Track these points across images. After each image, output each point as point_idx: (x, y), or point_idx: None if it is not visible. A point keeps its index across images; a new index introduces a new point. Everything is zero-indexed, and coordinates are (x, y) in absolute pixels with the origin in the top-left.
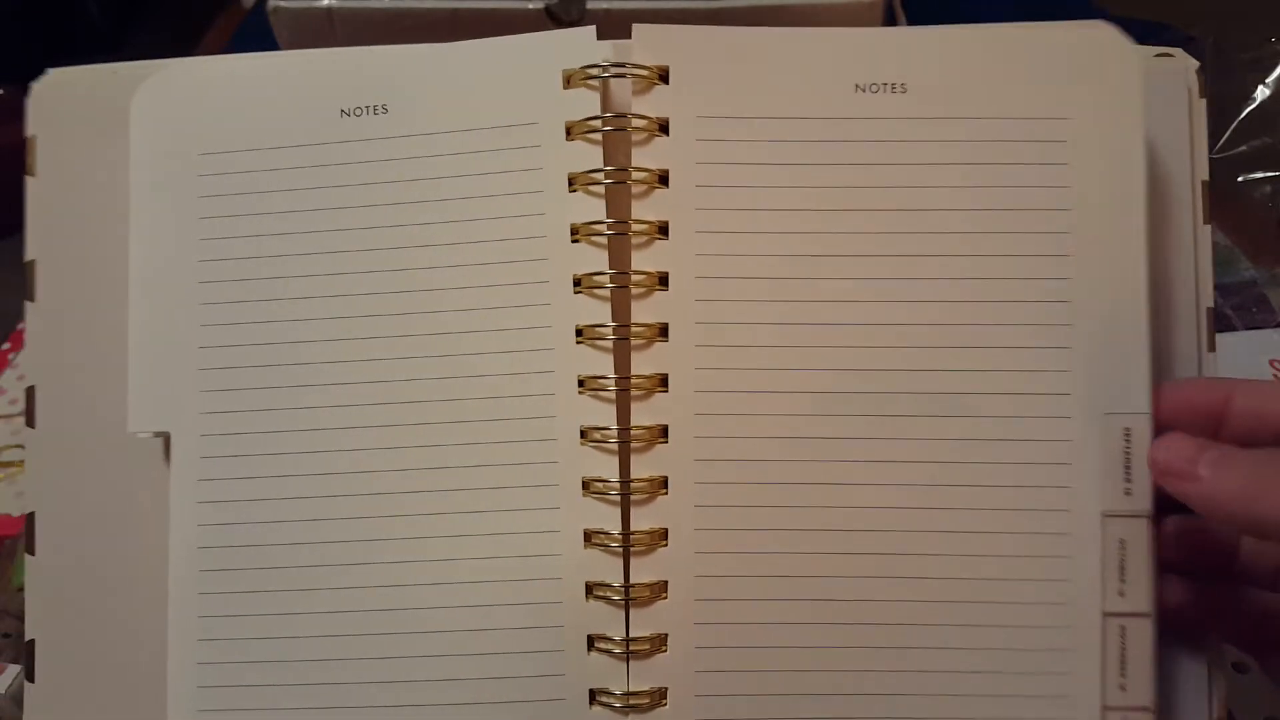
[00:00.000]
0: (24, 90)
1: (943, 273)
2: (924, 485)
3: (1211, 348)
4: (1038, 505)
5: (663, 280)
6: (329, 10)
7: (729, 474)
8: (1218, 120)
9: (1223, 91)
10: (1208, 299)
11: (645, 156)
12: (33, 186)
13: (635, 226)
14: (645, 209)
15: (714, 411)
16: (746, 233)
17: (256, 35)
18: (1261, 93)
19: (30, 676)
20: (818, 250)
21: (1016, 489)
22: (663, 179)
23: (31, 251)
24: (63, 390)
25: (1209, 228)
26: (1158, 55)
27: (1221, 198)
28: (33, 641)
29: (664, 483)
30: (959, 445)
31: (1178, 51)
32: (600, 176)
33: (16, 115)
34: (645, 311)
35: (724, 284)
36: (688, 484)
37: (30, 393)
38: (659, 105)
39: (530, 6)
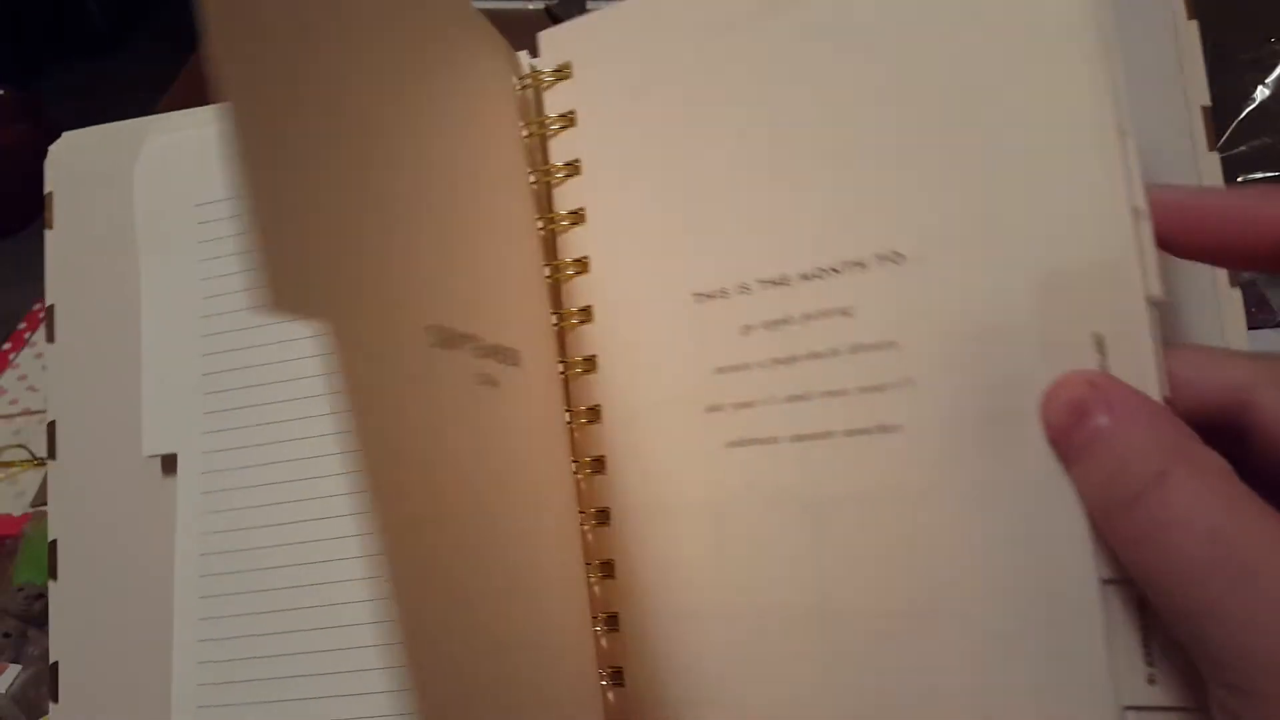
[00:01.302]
0: (24, 90)
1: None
2: None
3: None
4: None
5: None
6: None
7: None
8: (1217, 120)
9: (1223, 91)
10: None
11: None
12: (51, 238)
13: (559, 216)
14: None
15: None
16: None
17: None
18: (1261, 93)
19: (54, 697)
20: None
21: None
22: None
23: (51, 297)
24: (82, 424)
25: (1216, 155)
26: None
27: None
28: (56, 664)
29: (602, 462)
30: None
31: None
32: (531, 179)
33: (17, 115)
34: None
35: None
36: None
37: (51, 428)
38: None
39: (530, 7)
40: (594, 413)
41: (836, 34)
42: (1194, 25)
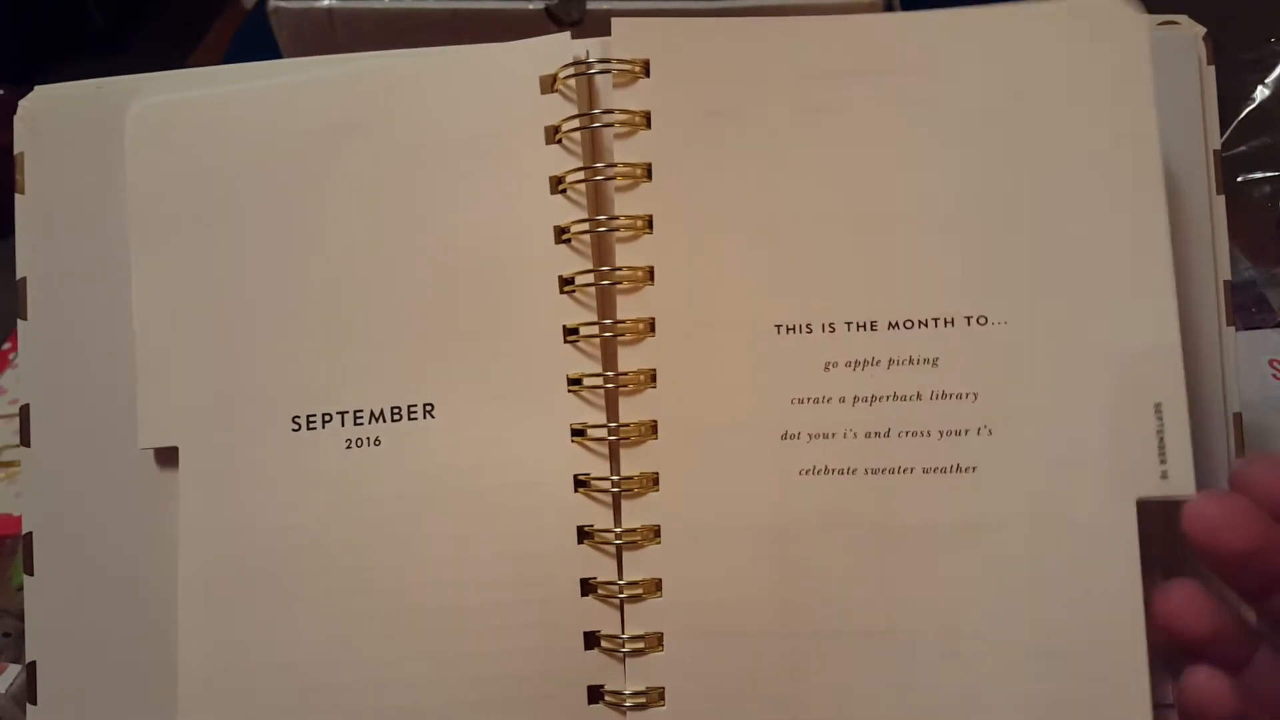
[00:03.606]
0: (25, 90)
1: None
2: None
3: (1230, 322)
4: None
5: (651, 275)
6: (329, 10)
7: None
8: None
9: (1223, 91)
10: (1225, 271)
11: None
12: (21, 204)
13: (622, 221)
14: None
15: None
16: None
17: (257, 36)
18: (1261, 93)
19: (33, 699)
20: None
21: None
22: (648, 172)
23: (22, 269)
24: (58, 408)
25: (1223, 198)
26: (1162, 23)
27: None
28: (34, 664)
29: (655, 479)
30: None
31: (1183, 19)
32: (580, 176)
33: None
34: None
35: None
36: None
37: (25, 411)
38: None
39: (530, 7)
40: (645, 427)
41: (931, 112)
42: (1221, 200)
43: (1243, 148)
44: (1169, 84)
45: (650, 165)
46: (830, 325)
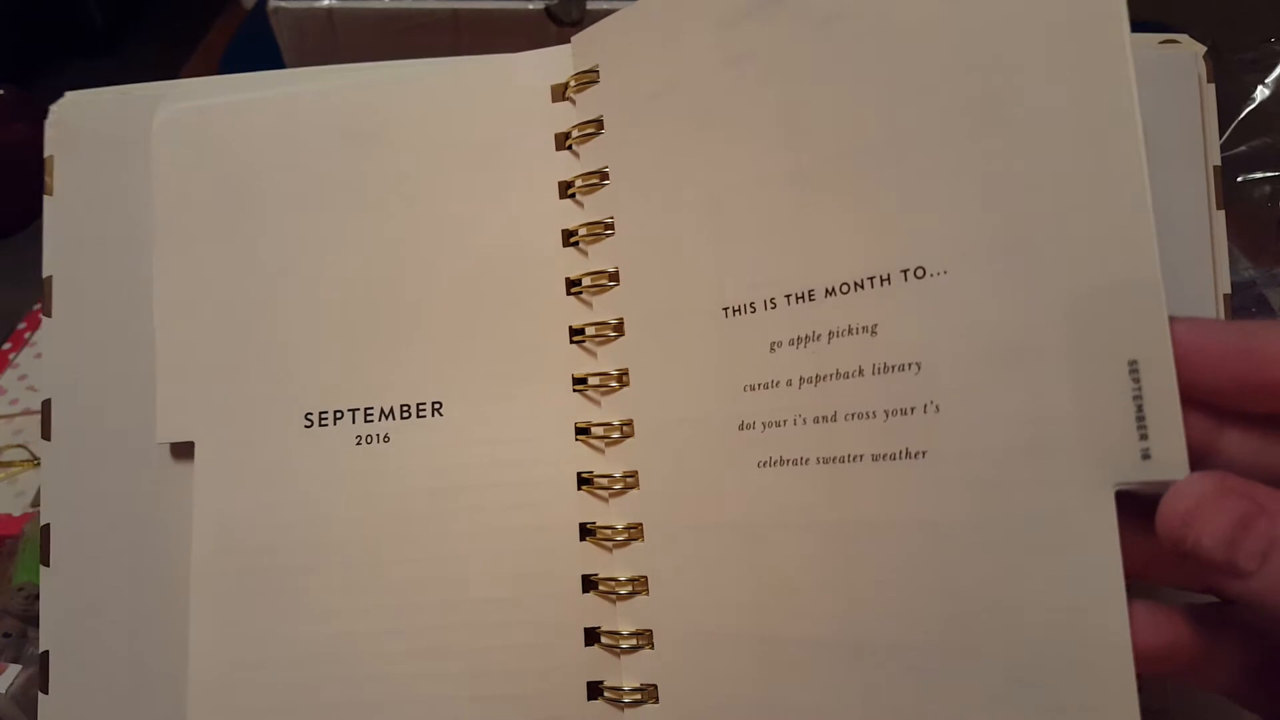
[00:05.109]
0: (24, 90)
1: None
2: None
3: None
4: None
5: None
6: (329, 11)
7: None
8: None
9: (1222, 91)
10: (1225, 285)
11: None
12: (50, 205)
13: (592, 225)
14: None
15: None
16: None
17: (257, 36)
18: (1261, 93)
19: (44, 688)
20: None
21: None
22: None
23: (49, 268)
24: (79, 404)
25: (1222, 213)
26: (1163, 42)
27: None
28: (46, 653)
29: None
30: None
31: (1184, 37)
32: (581, 181)
33: (17, 115)
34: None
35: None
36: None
37: (46, 406)
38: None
39: (530, 7)
40: (626, 427)
41: (846, 32)
42: (1221, 215)
43: (1243, 148)
44: (1170, 102)
45: (606, 169)
46: (771, 301)
